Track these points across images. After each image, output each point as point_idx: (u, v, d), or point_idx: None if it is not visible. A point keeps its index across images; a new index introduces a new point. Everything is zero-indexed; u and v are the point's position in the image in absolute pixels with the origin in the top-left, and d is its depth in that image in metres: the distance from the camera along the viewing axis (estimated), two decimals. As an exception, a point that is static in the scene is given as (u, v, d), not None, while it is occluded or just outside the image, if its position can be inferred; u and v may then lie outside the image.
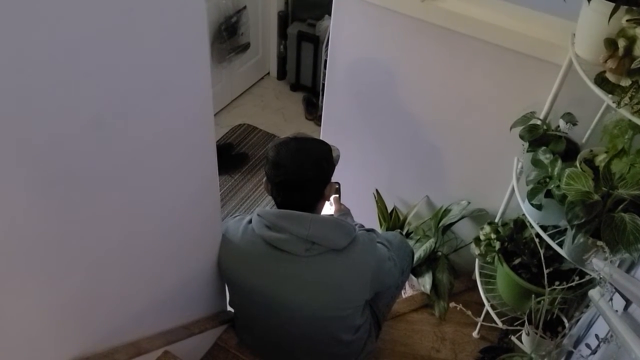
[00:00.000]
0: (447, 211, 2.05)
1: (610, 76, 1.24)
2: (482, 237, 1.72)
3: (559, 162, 1.40)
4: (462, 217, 2.02)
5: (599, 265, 1.20)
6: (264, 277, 1.39)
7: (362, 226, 1.63)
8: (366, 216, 2.09)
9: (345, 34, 1.96)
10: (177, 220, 1.25)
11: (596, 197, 1.24)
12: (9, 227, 0.84)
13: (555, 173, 1.39)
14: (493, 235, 1.68)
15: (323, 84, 3.11)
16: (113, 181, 0.99)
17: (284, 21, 3.47)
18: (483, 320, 1.68)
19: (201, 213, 1.34)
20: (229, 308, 1.70)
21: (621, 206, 1.23)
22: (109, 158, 0.96)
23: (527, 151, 1.53)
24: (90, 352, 1.16)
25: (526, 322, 1.48)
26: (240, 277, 1.44)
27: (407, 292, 2.20)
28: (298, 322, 1.42)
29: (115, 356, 1.20)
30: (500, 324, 1.65)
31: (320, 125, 2.36)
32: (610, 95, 1.22)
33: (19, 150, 0.79)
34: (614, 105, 1.19)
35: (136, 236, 1.14)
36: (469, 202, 2.01)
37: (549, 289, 1.35)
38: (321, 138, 2.23)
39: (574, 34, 1.35)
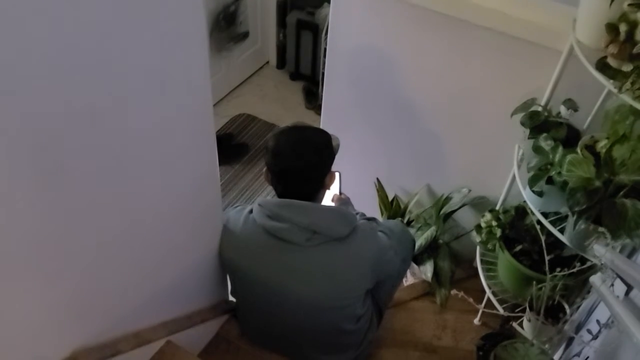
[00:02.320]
0: (448, 199, 2.05)
1: (611, 61, 1.23)
2: (483, 225, 1.72)
3: (560, 148, 1.40)
4: (463, 205, 2.02)
5: (600, 251, 1.20)
6: (265, 267, 1.39)
7: (363, 215, 1.62)
8: (367, 205, 2.09)
9: (345, 22, 1.95)
10: (177, 211, 1.25)
11: (597, 183, 1.23)
12: (9, 220, 0.84)
13: (557, 159, 1.39)
14: (494, 223, 1.68)
15: (323, 73, 3.09)
16: (112, 172, 0.99)
17: (282, 9, 3.45)
18: (484, 307, 1.69)
19: (202, 203, 1.34)
20: (231, 298, 1.70)
21: (622, 192, 1.23)
22: (107, 149, 0.96)
23: (528, 138, 1.52)
24: (93, 343, 1.16)
25: (527, 309, 1.49)
26: (241, 267, 1.44)
27: (409, 280, 2.21)
28: (299, 311, 1.43)
29: (118, 346, 1.21)
30: (501, 311, 1.65)
31: (320, 115, 2.35)
32: (611, 81, 1.21)
33: (16, 143, 0.79)
34: (615, 91, 1.18)
35: (137, 227, 1.14)
36: (470, 190, 2.01)
37: (550, 275, 1.35)
38: (321, 127, 2.23)
39: (575, 19, 1.34)
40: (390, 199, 2.23)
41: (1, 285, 0.88)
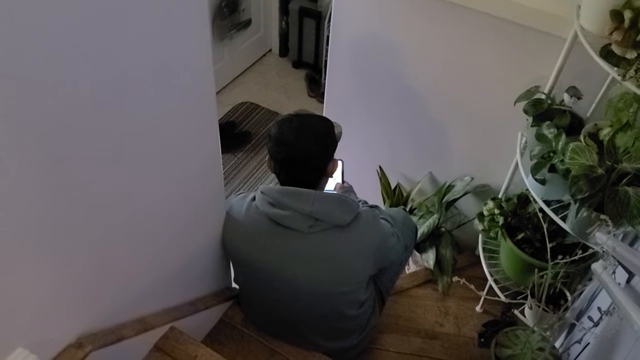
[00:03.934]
0: (450, 187, 2.05)
1: (615, 49, 1.23)
2: (485, 213, 1.72)
3: (563, 136, 1.40)
4: (466, 193, 2.02)
5: (602, 238, 1.21)
6: (268, 254, 1.40)
7: (366, 203, 1.63)
8: (369, 193, 2.10)
9: (348, 9, 1.94)
10: (181, 198, 1.26)
11: (600, 171, 1.23)
12: (16, 206, 0.85)
13: (559, 147, 1.39)
14: (496, 211, 1.69)
15: (325, 61, 3.08)
16: (116, 159, 0.99)
17: (285, -3, 3.43)
18: (486, 295, 1.70)
19: (205, 191, 1.35)
20: (234, 285, 1.72)
21: (625, 180, 1.23)
22: (111, 136, 0.96)
23: (531, 126, 1.52)
24: (98, 327, 1.17)
25: (529, 296, 1.49)
26: (244, 254, 1.45)
27: (411, 267, 2.22)
28: (302, 297, 1.44)
29: (123, 332, 1.22)
30: (503, 298, 1.66)
31: (322, 103, 2.35)
32: (615, 68, 1.21)
33: (23, 130, 0.80)
34: (619, 78, 1.18)
35: (141, 214, 1.14)
36: (473, 178, 2.01)
37: (552, 263, 1.36)
38: (324, 115, 2.23)
39: (580, 6, 1.33)
40: (392, 187, 2.23)
41: (9, 268, 0.89)
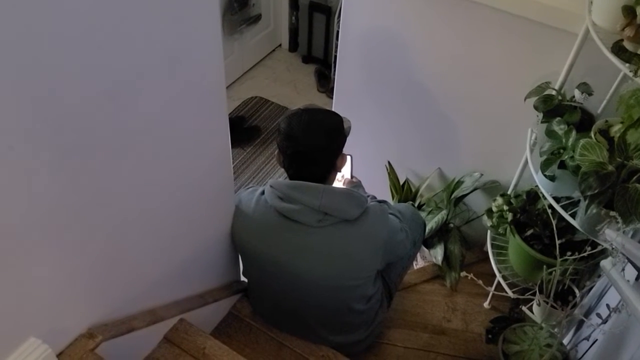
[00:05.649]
0: (459, 183, 2.05)
1: (627, 44, 1.22)
2: (494, 209, 1.72)
3: (574, 132, 1.39)
4: (475, 189, 2.01)
5: (611, 235, 1.20)
6: (277, 248, 1.40)
7: (375, 198, 1.63)
8: (378, 188, 2.10)
9: (357, 4, 1.94)
10: (191, 192, 1.27)
11: (610, 167, 1.23)
12: (29, 197, 0.86)
13: (570, 144, 1.38)
14: (505, 207, 1.68)
15: (335, 56, 3.08)
16: (126, 152, 1.00)
17: (295, -9, 3.43)
18: (494, 291, 1.69)
19: (214, 184, 1.36)
20: (243, 278, 1.73)
21: (635, 177, 1.22)
22: (122, 129, 0.97)
23: (542, 122, 1.51)
24: (109, 318, 1.19)
25: (537, 293, 1.49)
26: (253, 247, 1.46)
27: (419, 263, 2.22)
28: (310, 291, 1.45)
29: (133, 323, 1.23)
30: (511, 294, 1.66)
31: (332, 98, 2.35)
32: (627, 64, 1.20)
33: (36, 123, 0.81)
34: (630, 75, 1.17)
35: (151, 206, 1.15)
36: (482, 174, 2.01)
37: (561, 259, 1.36)
38: (333, 110, 2.23)
39: (591, 2, 1.32)
40: (401, 182, 2.23)
41: (23, 259, 0.90)
